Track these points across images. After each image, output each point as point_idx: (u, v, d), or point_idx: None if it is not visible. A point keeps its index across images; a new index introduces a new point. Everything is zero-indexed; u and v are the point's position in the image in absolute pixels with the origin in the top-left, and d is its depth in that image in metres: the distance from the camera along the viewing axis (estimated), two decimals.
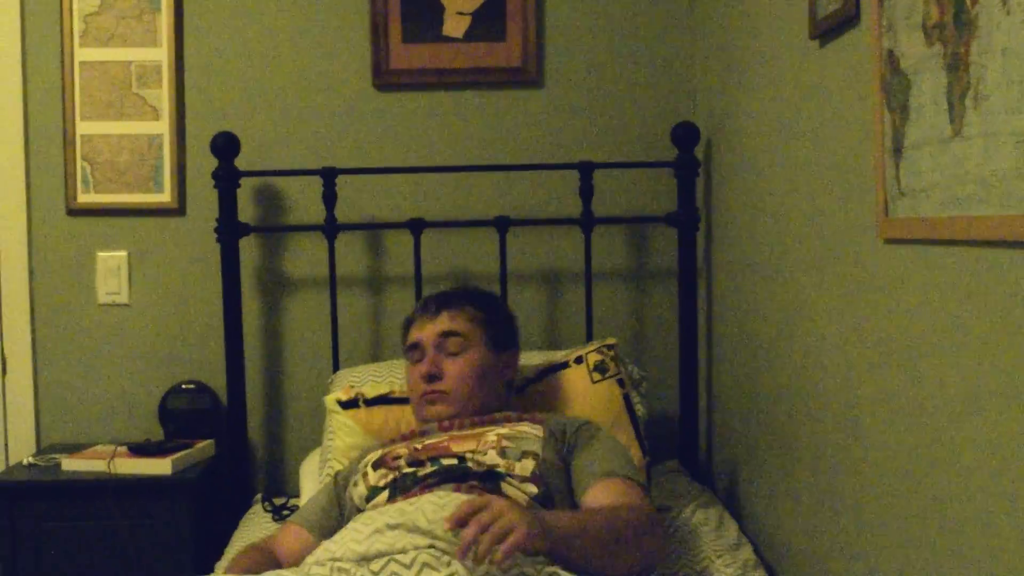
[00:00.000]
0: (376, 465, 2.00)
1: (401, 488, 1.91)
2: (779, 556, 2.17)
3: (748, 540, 2.24)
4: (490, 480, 1.89)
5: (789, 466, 2.10)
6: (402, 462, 1.97)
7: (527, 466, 1.91)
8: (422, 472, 1.93)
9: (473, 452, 1.94)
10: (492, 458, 1.92)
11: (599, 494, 1.88)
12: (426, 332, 2.18)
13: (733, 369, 2.58)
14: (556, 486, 1.92)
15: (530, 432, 1.99)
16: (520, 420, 2.07)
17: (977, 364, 1.30)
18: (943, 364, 1.39)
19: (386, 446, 2.09)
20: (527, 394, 2.39)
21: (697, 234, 2.81)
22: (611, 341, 2.48)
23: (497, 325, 2.24)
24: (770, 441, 2.24)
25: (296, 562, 1.90)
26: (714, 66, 2.72)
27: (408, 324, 2.26)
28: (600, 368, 2.43)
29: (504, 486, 1.88)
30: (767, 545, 2.25)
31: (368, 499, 1.94)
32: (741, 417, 2.50)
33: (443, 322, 2.17)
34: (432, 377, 2.13)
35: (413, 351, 2.20)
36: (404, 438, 2.12)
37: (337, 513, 2.05)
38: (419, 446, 2.00)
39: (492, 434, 1.98)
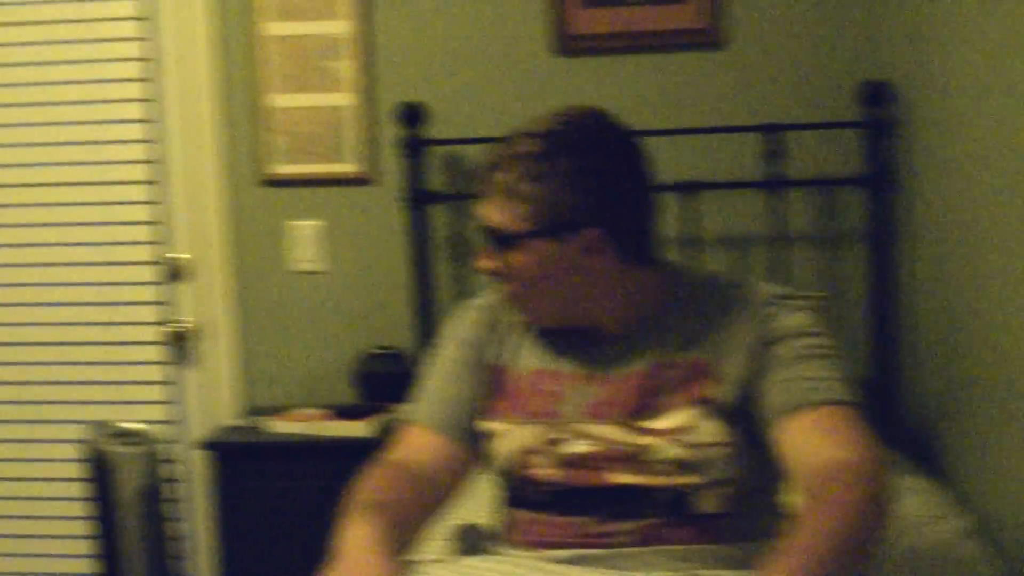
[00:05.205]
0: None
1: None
2: (991, 525, 2.12)
3: (956, 507, 2.21)
4: (676, 512, 1.60)
5: (1008, 438, 2.04)
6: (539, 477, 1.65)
7: (720, 491, 1.60)
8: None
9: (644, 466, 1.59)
10: (672, 474, 1.58)
11: (802, 438, 1.53)
12: None
13: (936, 335, 2.52)
14: (747, 461, 1.60)
15: (708, 426, 1.58)
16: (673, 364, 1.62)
17: None
18: None
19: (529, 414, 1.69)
20: None
21: (890, 196, 2.75)
22: (820, 294, 2.46)
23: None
24: (984, 413, 2.18)
25: (429, 473, 1.68)
26: (909, 18, 2.64)
27: None
28: None
29: (691, 503, 1.60)
30: (977, 513, 2.20)
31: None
32: (945, 384, 2.45)
33: None
34: None
35: None
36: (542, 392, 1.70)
37: (469, 402, 1.73)
38: (563, 454, 1.63)
39: (662, 427, 1.59)
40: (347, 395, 2.96)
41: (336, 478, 2.58)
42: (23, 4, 3.05)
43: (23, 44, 3.06)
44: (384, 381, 2.89)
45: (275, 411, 2.88)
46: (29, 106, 3.07)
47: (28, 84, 3.07)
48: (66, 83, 3.05)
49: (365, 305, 3.01)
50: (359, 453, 2.58)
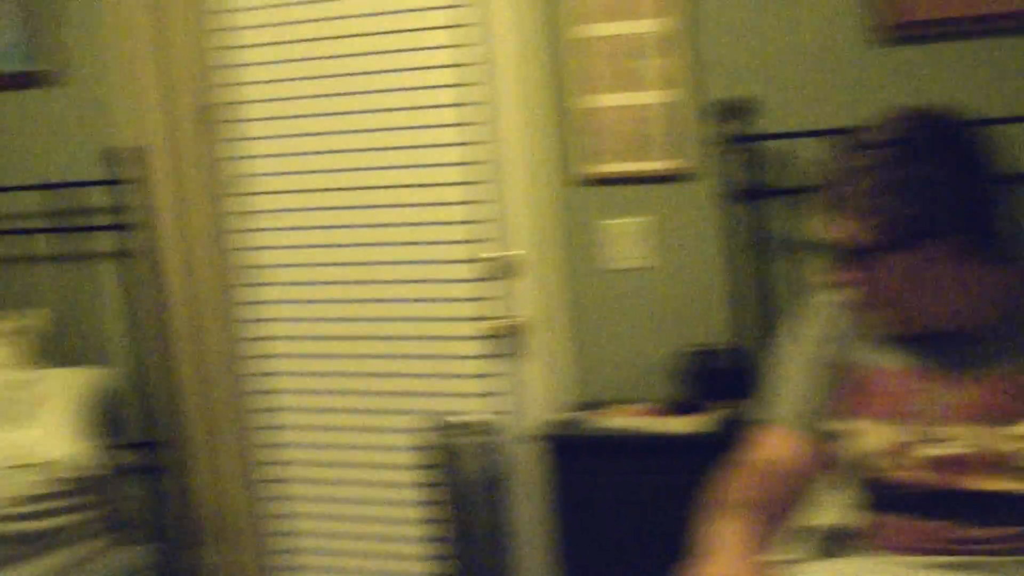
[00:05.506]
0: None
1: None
2: None
3: None
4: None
5: None
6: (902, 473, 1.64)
7: None
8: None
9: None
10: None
11: None
12: None
13: None
14: None
15: None
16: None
17: None
18: None
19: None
20: None
21: None
22: None
23: None
24: None
25: (790, 472, 1.71)
26: None
27: None
28: None
29: None
30: None
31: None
32: None
33: None
34: None
35: None
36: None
37: (823, 401, 1.74)
38: (927, 456, 1.62)
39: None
40: (664, 391, 2.97)
41: (672, 473, 2.63)
42: (342, 18, 3.24)
43: (346, 56, 3.24)
44: (707, 378, 2.89)
45: (596, 405, 2.94)
46: (353, 114, 3.26)
47: (353, 93, 3.25)
48: (389, 91, 3.21)
49: (684, 301, 3.02)
50: (692, 449, 2.63)
